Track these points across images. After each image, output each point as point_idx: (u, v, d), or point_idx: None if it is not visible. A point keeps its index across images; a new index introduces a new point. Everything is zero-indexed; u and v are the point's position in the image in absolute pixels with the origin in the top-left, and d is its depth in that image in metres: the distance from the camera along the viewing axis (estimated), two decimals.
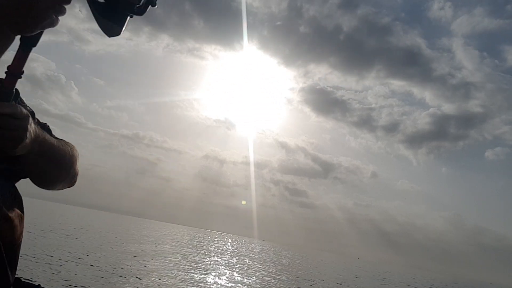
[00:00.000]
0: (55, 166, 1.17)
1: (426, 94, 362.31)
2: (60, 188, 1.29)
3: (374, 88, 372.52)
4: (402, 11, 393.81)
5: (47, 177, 1.19)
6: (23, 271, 11.29)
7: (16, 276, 1.23)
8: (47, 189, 1.26)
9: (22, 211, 1.13)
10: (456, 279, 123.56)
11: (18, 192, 1.14)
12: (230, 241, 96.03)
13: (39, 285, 1.35)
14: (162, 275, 15.24)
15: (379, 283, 37.46)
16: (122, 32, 1.16)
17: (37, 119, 1.23)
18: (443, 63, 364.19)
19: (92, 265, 14.71)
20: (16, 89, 1.07)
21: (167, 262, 19.85)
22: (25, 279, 1.33)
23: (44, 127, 1.22)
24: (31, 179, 1.20)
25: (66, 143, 1.24)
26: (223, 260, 29.85)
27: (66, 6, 1.07)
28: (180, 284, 14.34)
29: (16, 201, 1.12)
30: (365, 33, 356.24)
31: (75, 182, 1.32)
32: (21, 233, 1.13)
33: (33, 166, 1.11)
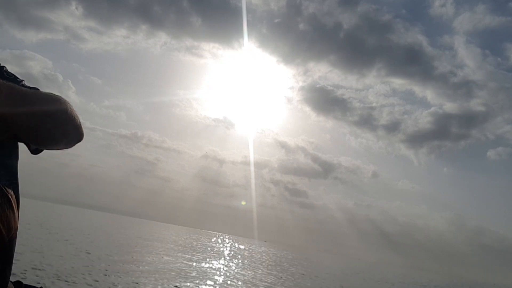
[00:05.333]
0: (37, 116, 1.09)
1: (428, 92, 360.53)
2: (64, 145, 1.21)
3: (375, 86, 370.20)
4: (403, 8, 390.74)
5: (38, 132, 1.12)
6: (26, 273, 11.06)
7: (18, 279, 1.22)
8: (50, 148, 1.20)
9: (12, 206, 1.07)
10: (458, 280, 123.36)
11: (9, 187, 1.09)
12: (236, 245, 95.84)
13: (41, 287, 1.31)
14: None
15: (381, 284, 37.16)
16: None
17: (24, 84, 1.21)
18: (444, 61, 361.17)
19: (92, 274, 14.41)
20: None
21: None
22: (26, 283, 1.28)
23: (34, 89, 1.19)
24: (25, 140, 1.16)
25: (49, 94, 1.16)
26: None
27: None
28: None
29: (3, 196, 1.06)
30: (366, 31, 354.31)
31: (81, 134, 1.22)
32: (11, 229, 1.07)
33: (14, 121, 1.06)
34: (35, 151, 1.24)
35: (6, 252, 1.08)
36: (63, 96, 1.18)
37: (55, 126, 1.14)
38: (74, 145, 1.24)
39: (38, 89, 1.19)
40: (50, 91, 1.13)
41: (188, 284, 14.86)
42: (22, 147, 1.22)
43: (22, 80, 1.21)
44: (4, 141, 1.12)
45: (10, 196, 1.08)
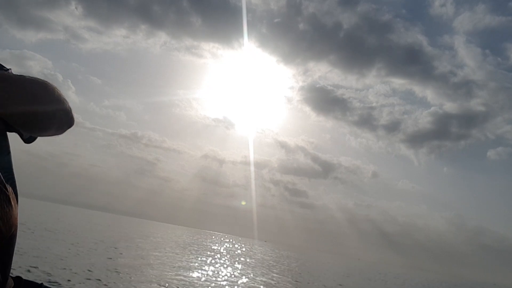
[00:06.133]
0: (24, 100, 1.06)
1: (428, 92, 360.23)
2: (55, 130, 1.19)
3: (374, 86, 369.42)
4: (403, 7, 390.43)
5: (26, 117, 1.08)
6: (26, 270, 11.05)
7: (17, 275, 1.21)
8: (41, 134, 1.18)
9: (10, 203, 1.05)
10: (458, 280, 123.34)
11: (7, 183, 1.06)
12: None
13: (41, 283, 1.30)
14: None
15: (381, 285, 37.15)
16: None
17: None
18: (444, 61, 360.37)
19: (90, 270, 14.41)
20: None
21: None
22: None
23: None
24: (15, 128, 1.12)
25: (35, 78, 1.13)
26: None
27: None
28: None
29: (2, 193, 1.04)
30: (366, 31, 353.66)
31: (72, 119, 1.21)
32: (12, 226, 1.05)
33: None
34: (28, 140, 1.21)
35: (6, 250, 1.06)
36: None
37: (43, 109, 1.10)
38: (65, 130, 1.22)
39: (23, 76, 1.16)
40: None
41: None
42: (19, 144, 1.21)
43: (9, 69, 1.18)
44: None
45: (8, 193, 1.05)
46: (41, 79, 1.14)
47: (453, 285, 69.28)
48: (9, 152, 1.13)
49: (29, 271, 11.52)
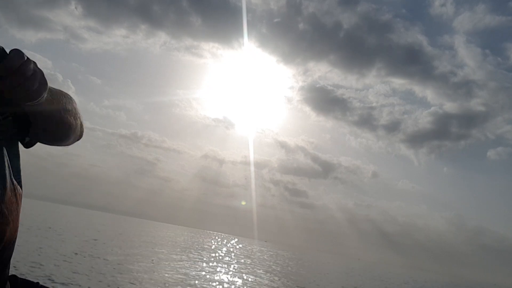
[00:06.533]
0: (61, 112, 1.10)
1: (428, 92, 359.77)
2: (71, 141, 1.23)
3: (374, 86, 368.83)
4: (403, 7, 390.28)
5: (60, 127, 1.12)
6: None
7: (12, 274, 1.20)
8: (61, 144, 1.21)
9: (19, 206, 1.06)
10: (458, 280, 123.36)
11: (16, 182, 1.07)
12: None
13: (37, 282, 1.29)
14: None
15: (381, 285, 37.16)
16: None
17: None
18: (444, 61, 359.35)
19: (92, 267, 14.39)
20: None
21: None
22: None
23: None
24: (43, 137, 1.14)
25: (61, 91, 1.17)
26: None
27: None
28: None
29: (17, 196, 1.04)
30: (366, 30, 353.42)
31: (83, 131, 1.26)
32: (17, 229, 1.05)
33: (43, 118, 1.05)
34: (27, 144, 1.20)
35: (7, 251, 1.07)
36: None
37: (71, 122, 1.14)
38: (75, 142, 1.25)
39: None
40: None
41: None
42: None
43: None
44: (13, 139, 1.10)
45: (18, 196, 1.06)
46: (66, 93, 1.16)
47: (453, 285, 69.32)
48: (19, 157, 1.14)
49: (30, 270, 11.54)
